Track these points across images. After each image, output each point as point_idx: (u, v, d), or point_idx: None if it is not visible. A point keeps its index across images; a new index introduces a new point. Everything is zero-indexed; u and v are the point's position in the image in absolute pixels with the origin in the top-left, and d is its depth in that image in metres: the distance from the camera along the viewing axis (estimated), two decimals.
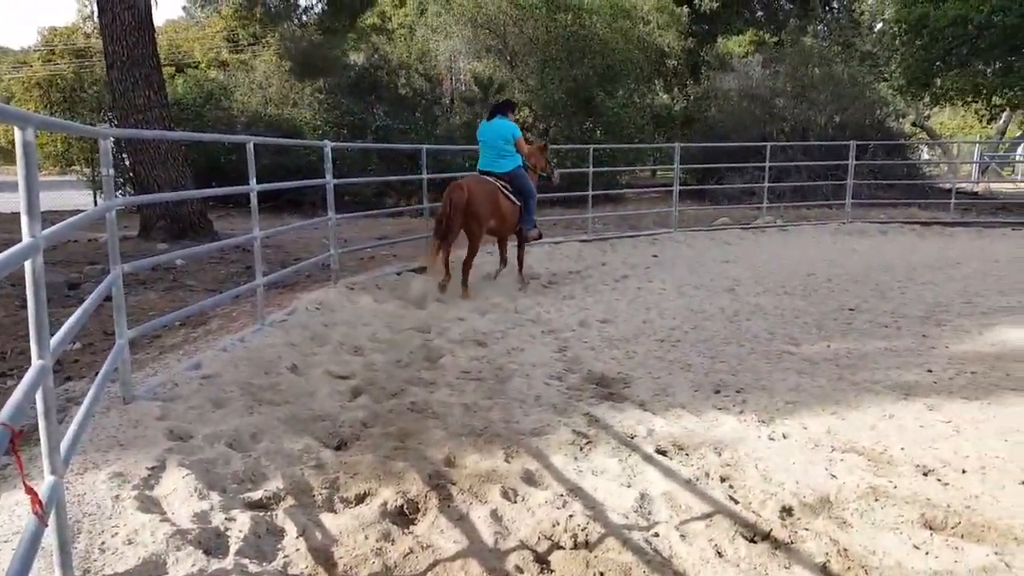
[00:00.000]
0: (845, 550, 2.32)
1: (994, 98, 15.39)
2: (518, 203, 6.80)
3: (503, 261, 7.23)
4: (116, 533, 2.22)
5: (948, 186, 15.48)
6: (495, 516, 2.51)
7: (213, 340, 4.48)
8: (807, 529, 2.46)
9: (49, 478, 1.86)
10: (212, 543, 2.24)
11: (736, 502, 2.66)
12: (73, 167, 19.73)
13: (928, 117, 26.78)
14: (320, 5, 15.01)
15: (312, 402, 3.57)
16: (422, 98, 15.46)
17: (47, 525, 1.68)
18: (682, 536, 2.41)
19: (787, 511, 2.59)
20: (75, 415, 2.51)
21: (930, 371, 4.29)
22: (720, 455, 3.06)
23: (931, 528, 2.47)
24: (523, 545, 2.36)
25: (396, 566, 2.22)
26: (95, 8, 12.53)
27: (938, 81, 15.21)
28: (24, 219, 1.77)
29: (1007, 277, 7.54)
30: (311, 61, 14.22)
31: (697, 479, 2.83)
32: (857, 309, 6.08)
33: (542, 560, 2.29)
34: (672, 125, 19.70)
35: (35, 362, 1.80)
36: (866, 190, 13.96)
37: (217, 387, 3.59)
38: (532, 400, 3.74)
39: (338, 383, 3.91)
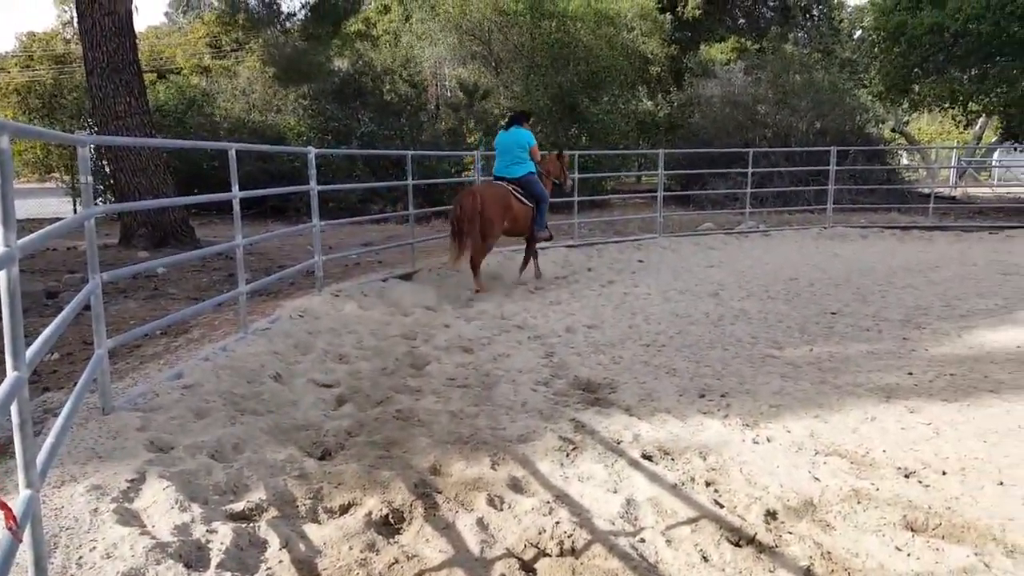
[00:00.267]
0: (829, 553, 2.34)
1: (970, 104, 15.63)
2: (530, 206, 7.27)
3: (527, 259, 7.81)
4: (94, 547, 2.18)
5: (927, 191, 15.70)
6: (481, 524, 2.50)
7: (195, 349, 4.43)
8: (791, 532, 2.47)
9: (24, 492, 1.82)
10: (193, 556, 2.21)
11: (721, 506, 2.67)
12: (53, 174, 19.49)
13: (907, 123, 27.18)
14: (304, 11, 14.96)
15: (296, 411, 3.54)
16: (407, 104, 15.43)
17: (21, 541, 1.64)
18: (668, 541, 2.41)
19: (771, 515, 2.60)
20: (52, 427, 2.46)
21: (911, 374, 4.34)
22: (705, 459, 3.07)
23: (913, 530, 2.50)
24: (509, 553, 2.35)
25: None
26: (75, 14, 12.41)
27: (916, 88, 15.44)
28: None
29: (985, 280, 7.66)
30: (295, 67, 14.16)
31: (683, 484, 2.84)
32: (839, 313, 6.15)
33: (528, 568, 2.28)
34: (656, 131, 19.84)
35: (10, 374, 1.77)
36: (847, 195, 14.13)
37: (199, 397, 3.55)
38: (518, 406, 3.74)
39: (322, 392, 3.88)
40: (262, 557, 2.27)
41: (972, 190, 21.32)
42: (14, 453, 1.89)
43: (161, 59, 25.40)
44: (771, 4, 26.45)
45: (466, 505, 2.66)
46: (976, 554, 2.32)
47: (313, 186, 5.94)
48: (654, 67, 21.12)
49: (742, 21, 26.85)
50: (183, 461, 2.84)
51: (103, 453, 2.83)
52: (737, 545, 2.42)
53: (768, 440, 3.28)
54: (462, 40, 17.52)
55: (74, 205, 15.73)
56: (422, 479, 2.81)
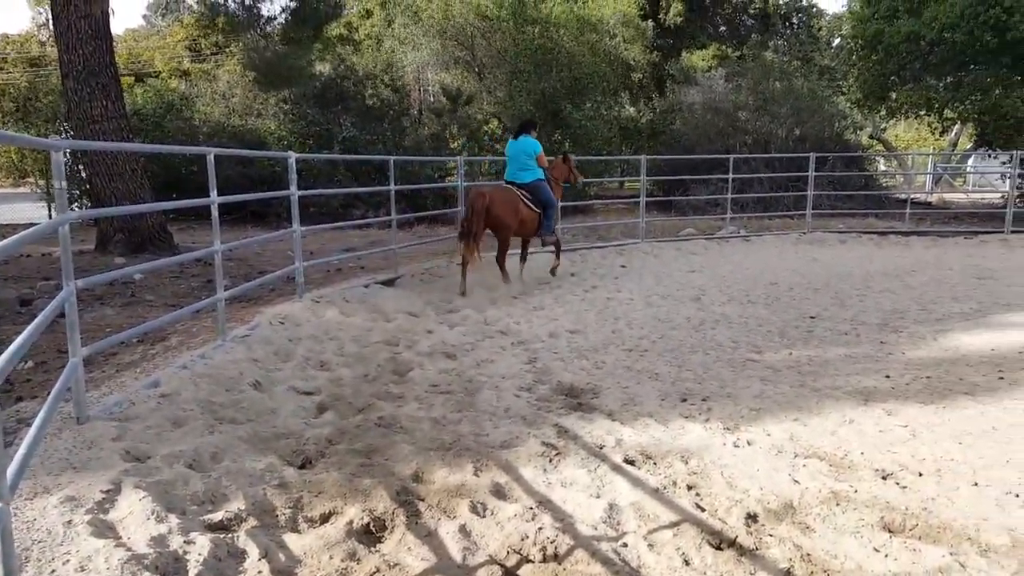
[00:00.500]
0: (808, 555, 2.36)
1: (946, 111, 15.92)
2: (537, 211, 7.63)
3: (524, 259, 8.13)
4: (67, 560, 2.14)
5: (903, 197, 15.95)
6: (464, 531, 2.49)
7: (172, 357, 4.37)
8: (771, 535, 2.49)
9: None
10: (170, 568, 2.17)
11: (703, 510, 2.68)
12: (27, 179, 19.18)
13: (884, 130, 27.62)
14: (284, 15, 14.88)
15: (275, 419, 3.50)
16: (390, 109, 15.39)
17: None
18: (650, 546, 2.42)
19: (752, 518, 2.62)
20: (25, 437, 2.41)
21: (888, 377, 4.39)
22: (687, 463, 3.08)
23: (890, 531, 2.52)
24: (492, 560, 2.34)
25: None
26: (49, 16, 12.24)
27: (893, 95, 15.71)
28: None
29: (960, 285, 7.78)
30: (275, 71, 14.07)
31: (664, 488, 2.85)
32: (818, 317, 6.22)
33: (511, 574, 2.27)
34: (639, 137, 19.97)
35: None
36: (826, 201, 14.31)
37: (176, 405, 3.50)
38: (502, 412, 3.73)
39: (303, 399, 3.84)
40: (241, 568, 2.24)
41: (948, 196, 21.70)
42: None
43: (139, 62, 25.11)
44: (751, 12, 26.80)
45: (448, 512, 2.64)
46: (952, 554, 2.35)
47: (293, 191, 5.90)
48: (636, 73, 21.29)
49: (723, 29, 27.17)
50: (160, 471, 2.79)
51: (77, 463, 2.78)
52: (718, 548, 2.43)
53: (748, 443, 3.31)
54: (445, 45, 17.53)
55: (49, 211, 15.48)
56: (404, 487, 2.79)
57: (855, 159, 17.12)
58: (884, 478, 2.94)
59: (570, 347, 5.17)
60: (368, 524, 2.53)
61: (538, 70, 16.44)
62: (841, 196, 14.86)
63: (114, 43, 10.20)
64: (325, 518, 2.59)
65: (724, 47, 24.86)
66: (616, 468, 3.02)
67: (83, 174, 11.56)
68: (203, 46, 22.43)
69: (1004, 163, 17.20)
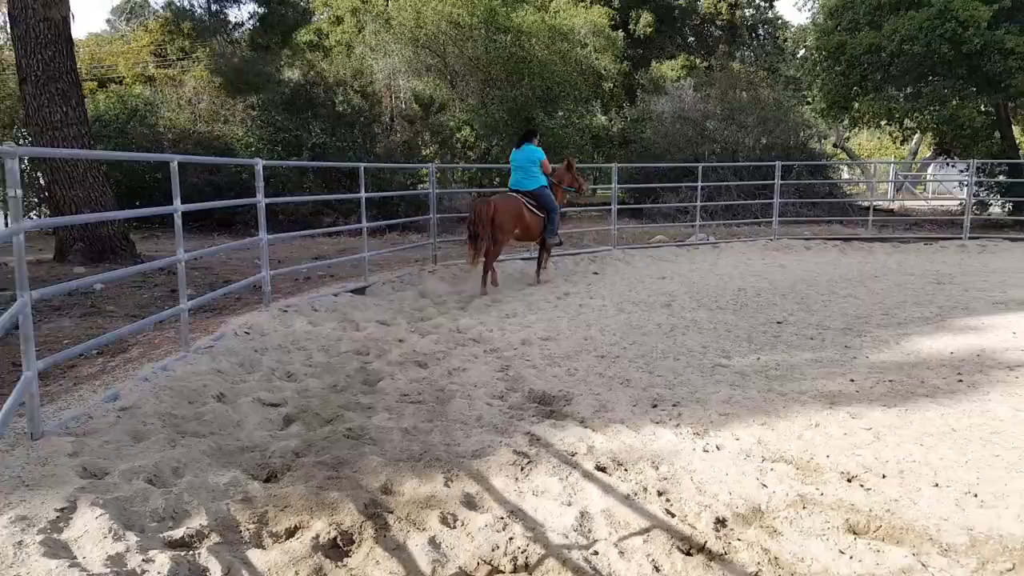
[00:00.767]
0: (776, 558, 2.38)
1: (906, 121, 16.36)
2: (541, 216, 8.11)
3: (540, 262, 8.76)
4: None
5: (866, 204, 16.34)
6: (433, 543, 2.46)
7: (133, 369, 4.26)
8: (740, 539, 2.51)
9: None
10: None
11: (673, 515, 2.69)
12: None
13: (848, 139, 28.30)
14: (252, 21, 14.69)
15: (240, 432, 3.43)
16: (361, 115, 15.28)
17: None
18: (621, 553, 2.41)
19: (721, 522, 2.63)
20: None
21: (852, 380, 4.47)
22: (657, 469, 3.09)
23: (855, 533, 2.56)
24: (462, 572, 2.31)
25: None
26: (6, 19, 11.92)
27: (855, 105, 16.08)
28: None
29: (921, 290, 7.98)
30: (243, 77, 13.87)
31: (635, 494, 2.85)
32: (784, 322, 6.31)
33: None
34: (610, 145, 20.13)
35: None
36: (792, 208, 14.58)
37: (136, 419, 3.41)
38: (473, 421, 3.70)
39: (269, 411, 3.77)
40: None
41: (909, 203, 22.29)
42: None
43: (102, 67, 24.56)
44: (719, 24, 27.29)
45: (418, 524, 2.61)
46: (914, 554, 2.39)
47: (260, 199, 5.81)
48: (607, 83, 21.49)
49: (691, 39, 27.62)
50: (118, 487, 2.71)
51: (30, 481, 2.68)
52: (688, 554, 2.44)
53: (718, 448, 3.33)
54: (417, 52, 17.48)
55: (4, 219, 15.04)
56: (373, 499, 2.74)
57: (820, 167, 17.50)
58: (849, 480, 2.99)
59: (543, 354, 5.16)
60: (335, 538, 2.48)
61: (510, 78, 16.50)
62: (806, 203, 15.15)
63: (76, 48, 9.97)
64: (291, 533, 2.54)
65: (692, 57, 25.28)
66: (587, 475, 3.02)
67: (42, 181, 11.25)
68: (169, 51, 22.04)
69: (962, 171, 17.74)
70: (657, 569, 2.34)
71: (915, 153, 27.42)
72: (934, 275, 9.06)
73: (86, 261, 8.81)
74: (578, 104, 18.36)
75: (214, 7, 13.92)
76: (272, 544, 2.47)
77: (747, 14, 27.89)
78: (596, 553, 2.42)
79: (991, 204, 15.85)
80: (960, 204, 16.99)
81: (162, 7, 16.19)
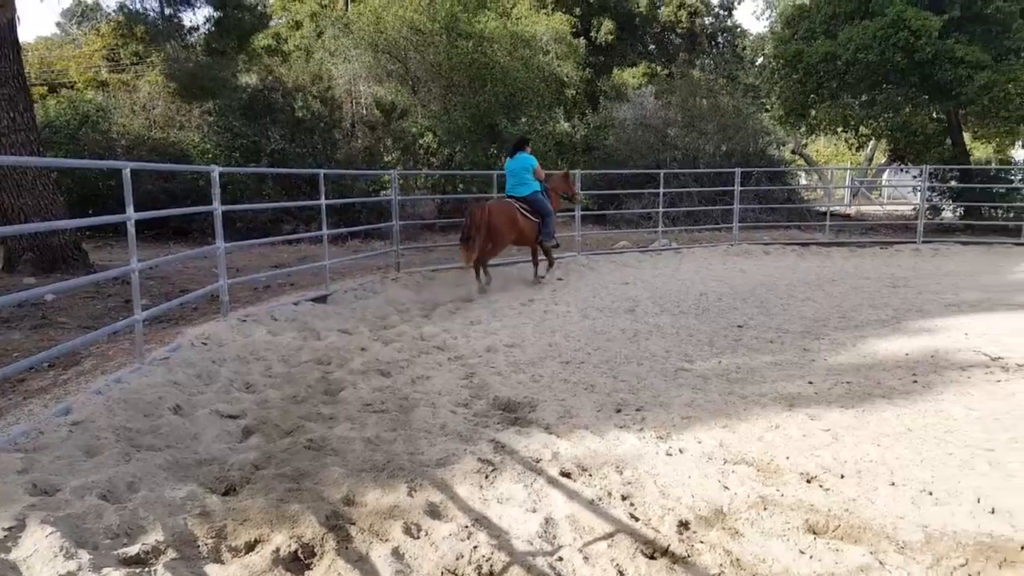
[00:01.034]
0: (738, 560, 2.41)
1: (861, 128, 16.82)
2: (535, 220, 8.48)
3: (536, 263, 9.19)
4: None
5: (824, 209, 16.73)
6: (396, 554, 2.43)
7: (86, 382, 4.12)
8: (703, 542, 2.53)
9: None
10: None
11: (636, 519, 2.71)
12: None
13: (805, 145, 29.02)
14: (208, 25, 14.40)
15: (198, 445, 3.34)
16: (321, 121, 15.08)
17: None
18: (585, 558, 2.42)
19: (684, 525, 2.65)
20: None
21: (811, 383, 4.56)
22: (621, 473, 3.11)
23: (814, 532, 2.61)
24: None
25: None
26: None
27: (812, 112, 16.47)
28: None
29: (877, 293, 8.21)
30: (197, 82, 13.58)
31: (600, 499, 2.86)
32: (745, 326, 6.42)
33: None
34: (574, 152, 20.28)
35: None
36: (751, 214, 14.87)
37: (89, 433, 3.29)
38: (437, 430, 3.67)
39: (227, 423, 3.68)
40: None
41: (865, 208, 22.93)
42: None
43: (52, 72, 23.83)
44: (679, 32, 27.74)
45: (381, 535, 2.57)
46: (872, 552, 2.44)
47: (217, 206, 5.70)
48: (570, 90, 21.64)
49: (652, 47, 28.02)
50: (70, 504, 2.62)
51: None
52: (652, 557, 2.45)
53: (680, 451, 3.36)
54: (377, 58, 17.34)
55: None
56: (334, 511, 2.70)
57: (778, 173, 17.88)
58: (808, 481, 3.04)
59: (508, 361, 5.16)
60: (296, 551, 2.44)
61: (473, 84, 16.48)
62: (766, 209, 15.47)
63: (23, 52, 9.64)
64: (250, 547, 2.48)
65: (654, 65, 25.64)
66: (552, 481, 3.02)
67: None
68: (122, 56, 21.49)
69: (915, 177, 18.32)
70: (621, 574, 2.35)
71: (870, 159, 28.25)
72: (889, 278, 9.33)
73: (36, 271, 8.51)
74: (541, 111, 18.43)
75: (168, 11, 13.62)
76: (231, 559, 2.42)
77: (706, 22, 28.43)
78: (561, 559, 2.42)
79: (943, 209, 16.38)
80: (914, 209, 17.52)
81: (114, 10, 15.79)
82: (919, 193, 14.42)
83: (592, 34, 24.72)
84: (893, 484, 2.99)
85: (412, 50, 16.94)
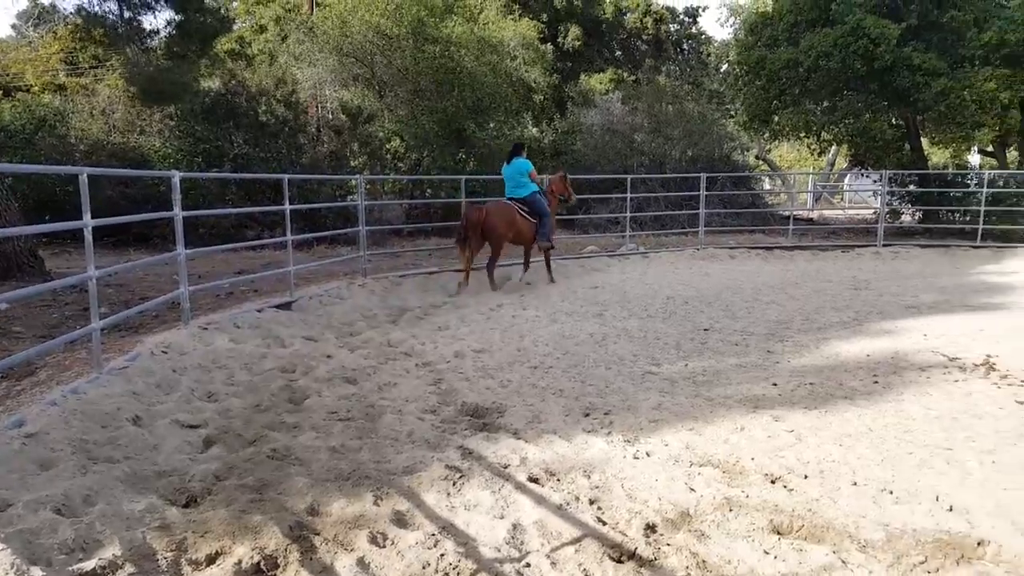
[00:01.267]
0: (704, 562, 2.42)
1: (823, 134, 17.18)
2: (533, 221, 8.79)
3: (526, 265, 9.33)
4: None
5: (787, 213, 17.08)
6: (362, 564, 2.39)
7: (41, 393, 3.99)
8: (669, 544, 2.55)
9: None
10: None
11: (604, 523, 2.71)
12: None
13: (769, 151, 29.58)
14: (168, 29, 14.10)
15: (157, 456, 3.26)
16: (285, 126, 14.88)
17: None
18: (553, 564, 2.41)
19: (651, 528, 2.67)
20: None
21: (775, 384, 4.64)
22: (589, 478, 3.11)
23: (779, 533, 2.64)
24: None
25: None
26: None
27: (775, 118, 16.77)
28: None
29: (839, 295, 8.38)
30: (158, 87, 13.28)
31: (568, 504, 2.86)
32: (711, 329, 6.50)
33: None
34: (542, 157, 20.36)
35: None
36: (717, 218, 15.09)
37: (44, 446, 3.19)
38: (404, 437, 3.64)
39: (188, 433, 3.60)
40: None
41: (827, 212, 23.46)
42: None
43: (7, 75, 23.11)
44: (645, 38, 28.08)
45: (346, 545, 2.53)
46: (834, 552, 2.48)
47: (177, 212, 5.58)
48: (538, 95, 21.73)
49: (619, 53, 28.30)
50: (23, 519, 2.54)
51: None
52: (619, 561, 2.46)
53: (647, 455, 3.38)
54: (343, 62, 17.18)
55: None
56: (298, 521, 2.65)
57: (743, 178, 18.19)
58: (773, 482, 3.08)
59: (476, 367, 5.14)
60: (259, 563, 2.39)
61: (440, 89, 16.44)
62: (731, 213, 15.71)
63: None
64: (211, 559, 2.42)
65: (620, 71, 25.90)
66: (520, 487, 3.01)
67: None
68: (80, 59, 20.94)
69: (875, 182, 18.79)
70: None
71: (832, 164, 28.89)
72: (851, 281, 9.54)
73: None
74: (509, 116, 18.47)
75: (127, 14, 13.31)
76: (191, 572, 2.36)
77: (672, 29, 28.82)
78: (528, 565, 2.41)
79: (903, 212, 16.81)
80: (874, 213, 17.95)
81: (72, 13, 15.37)
82: (879, 197, 14.78)
83: (559, 40, 24.88)
84: (855, 484, 3.05)
85: (378, 54, 16.84)
